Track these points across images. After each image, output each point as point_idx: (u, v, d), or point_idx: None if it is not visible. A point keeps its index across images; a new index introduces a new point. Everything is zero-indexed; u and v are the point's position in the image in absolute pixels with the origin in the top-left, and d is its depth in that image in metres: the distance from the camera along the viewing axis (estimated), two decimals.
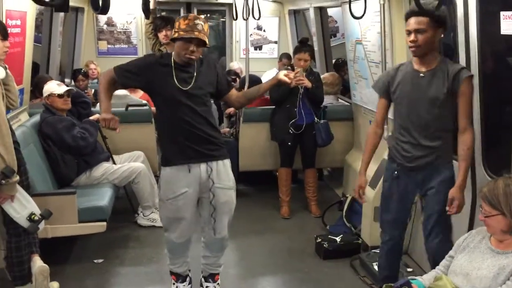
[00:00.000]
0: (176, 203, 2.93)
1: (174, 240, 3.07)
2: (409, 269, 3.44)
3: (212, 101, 3.14)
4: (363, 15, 3.30)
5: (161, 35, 4.95)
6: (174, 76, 2.82)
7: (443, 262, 2.25)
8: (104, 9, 1.37)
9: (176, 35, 2.78)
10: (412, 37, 2.61)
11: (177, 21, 2.81)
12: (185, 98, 2.83)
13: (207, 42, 2.79)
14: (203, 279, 3.29)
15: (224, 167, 2.97)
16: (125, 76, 2.91)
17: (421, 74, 2.68)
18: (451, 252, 2.24)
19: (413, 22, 2.60)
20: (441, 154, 2.71)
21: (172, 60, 2.86)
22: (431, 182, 2.75)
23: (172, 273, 3.26)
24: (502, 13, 2.52)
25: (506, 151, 2.60)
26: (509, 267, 1.91)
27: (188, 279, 3.29)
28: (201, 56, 2.92)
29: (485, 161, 2.85)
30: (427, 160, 2.73)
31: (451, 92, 2.61)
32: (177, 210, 2.95)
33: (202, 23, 2.77)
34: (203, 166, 2.90)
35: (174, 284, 3.26)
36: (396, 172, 2.86)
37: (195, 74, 2.86)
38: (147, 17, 5.07)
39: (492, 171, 2.81)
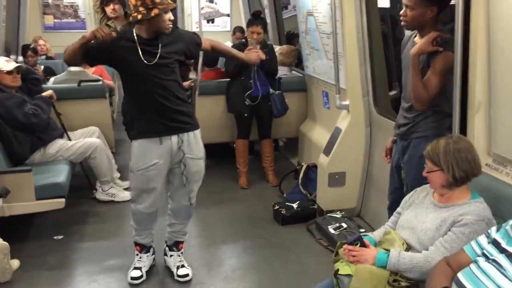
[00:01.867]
0: (147, 174, 2.98)
1: (142, 210, 3.12)
2: (361, 230, 3.63)
3: None
4: None
5: (109, 9, 4.81)
6: (140, 51, 2.82)
7: (392, 219, 2.42)
8: None
9: (157, 11, 2.72)
10: (403, 10, 2.61)
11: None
12: (152, 71, 2.85)
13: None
14: (167, 248, 3.37)
15: (194, 138, 3.04)
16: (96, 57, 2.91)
17: (414, 46, 2.65)
18: (398, 209, 2.40)
19: None
20: (416, 127, 2.73)
21: (135, 35, 2.85)
22: (404, 156, 2.82)
23: (136, 243, 3.31)
24: None
25: None
26: (450, 219, 2.08)
27: (151, 249, 3.36)
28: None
29: None
30: (405, 129, 2.79)
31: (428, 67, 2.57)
32: (148, 180, 3.01)
33: None
34: (174, 138, 2.96)
35: (137, 255, 3.31)
36: (394, 138, 2.97)
37: (160, 45, 2.86)
38: None
39: None
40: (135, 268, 3.25)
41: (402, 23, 2.66)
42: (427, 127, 2.69)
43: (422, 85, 2.54)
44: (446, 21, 3.01)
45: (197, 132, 3.08)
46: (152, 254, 3.36)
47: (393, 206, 2.91)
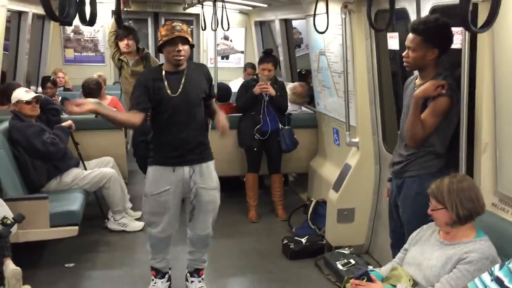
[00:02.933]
0: (159, 199, 3.12)
1: (156, 234, 3.23)
2: (370, 267, 3.63)
3: None
4: (326, 30, 3.52)
5: (122, 44, 5.00)
6: (165, 83, 3.02)
7: (399, 255, 2.46)
8: (92, 21, 1.49)
9: (160, 42, 2.96)
10: (405, 52, 2.72)
11: (158, 33, 3.03)
12: (174, 103, 3.03)
13: (190, 39, 2.98)
14: (188, 274, 3.46)
15: (207, 169, 3.18)
16: (143, 105, 3.08)
17: (416, 87, 2.76)
18: (405, 246, 2.44)
19: (408, 38, 2.69)
20: (409, 166, 2.79)
21: (163, 70, 3.07)
22: (400, 195, 2.87)
23: (152, 268, 3.40)
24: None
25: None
26: (455, 257, 2.12)
27: (167, 276, 3.42)
28: (191, 63, 3.18)
29: None
30: (399, 168, 2.85)
31: (425, 106, 2.64)
32: (159, 205, 3.15)
33: (180, 24, 2.98)
34: (186, 168, 3.10)
35: (153, 279, 3.39)
36: (390, 176, 3.03)
37: (183, 79, 3.04)
38: (119, 26, 5.12)
39: None
40: None
41: (404, 64, 2.77)
42: (420, 166, 2.75)
43: (421, 124, 2.62)
44: (449, 66, 3.12)
45: (211, 163, 3.21)
46: (167, 281, 3.42)
47: (395, 244, 2.95)
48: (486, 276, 1.90)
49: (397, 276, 2.25)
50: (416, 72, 2.94)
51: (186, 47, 2.98)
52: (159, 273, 3.38)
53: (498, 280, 1.82)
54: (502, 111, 2.34)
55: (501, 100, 2.34)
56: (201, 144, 3.16)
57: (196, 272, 3.43)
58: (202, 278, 3.45)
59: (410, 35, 2.69)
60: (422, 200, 2.65)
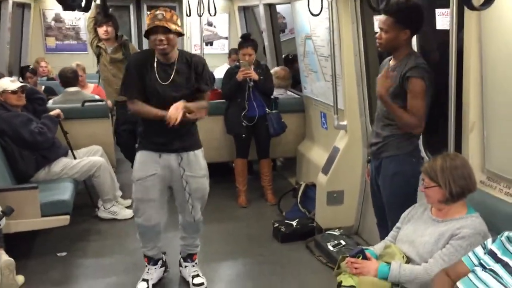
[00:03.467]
0: (145, 184, 3.11)
1: (142, 222, 3.23)
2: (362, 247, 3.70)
3: None
4: (320, 12, 3.54)
5: (101, 30, 4.91)
6: (156, 71, 3.00)
7: (391, 233, 2.51)
8: (87, 7, 1.47)
9: (145, 31, 2.96)
10: (378, 34, 2.79)
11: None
12: (162, 92, 3.00)
13: (171, 28, 2.89)
14: (182, 260, 3.49)
15: (195, 157, 3.16)
16: (136, 91, 3.05)
17: (390, 68, 2.83)
18: (398, 224, 2.50)
19: (380, 19, 2.76)
20: (386, 147, 2.85)
21: (155, 56, 3.03)
22: (379, 175, 2.94)
23: (145, 255, 3.40)
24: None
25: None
26: (448, 233, 2.19)
27: (160, 262, 3.43)
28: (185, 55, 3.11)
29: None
30: (376, 149, 2.92)
31: (404, 90, 2.72)
32: (146, 190, 3.12)
33: (163, 12, 2.92)
34: (173, 155, 3.10)
35: (146, 266, 3.41)
36: (368, 157, 3.09)
37: (173, 71, 3.01)
38: (105, 14, 5.02)
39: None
40: (143, 280, 3.35)
41: (377, 44, 2.84)
42: (396, 147, 2.81)
43: (406, 114, 2.68)
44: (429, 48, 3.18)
45: (198, 151, 3.20)
46: (161, 267, 3.45)
47: (381, 223, 3.02)
48: (479, 250, 1.97)
49: (390, 254, 2.30)
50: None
51: (171, 36, 2.92)
52: (151, 260, 3.39)
53: (491, 253, 1.88)
54: (489, 90, 2.39)
55: (488, 80, 2.39)
56: (188, 133, 3.14)
57: (189, 257, 3.46)
58: (196, 263, 3.48)
59: (382, 17, 2.76)
60: (399, 180, 2.76)
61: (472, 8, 1.75)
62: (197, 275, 3.40)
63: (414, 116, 2.68)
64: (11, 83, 4.10)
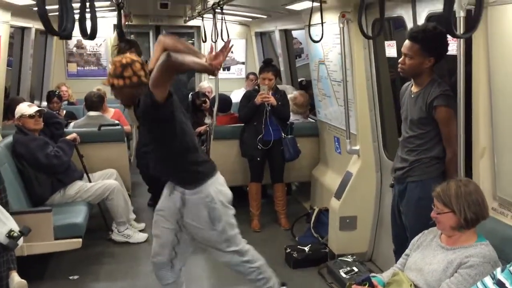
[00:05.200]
0: (155, 217, 3.06)
1: (151, 258, 3.11)
2: (372, 274, 3.63)
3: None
4: (321, 39, 3.57)
5: None
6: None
7: (400, 261, 2.46)
8: (92, 36, 1.52)
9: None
10: (401, 58, 2.78)
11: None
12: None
13: (114, 83, 2.74)
14: None
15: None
16: None
17: (412, 95, 2.84)
18: (407, 251, 2.45)
19: (405, 45, 2.75)
20: (412, 171, 2.84)
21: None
22: (402, 199, 2.92)
23: None
24: None
25: None
26: (456, 261, 2.13)
27: None
28: None
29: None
30: (401, 173, 2.90)
31: (430, 117, 2.73)
32: (154, 224, 3.08)
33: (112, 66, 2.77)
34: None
35: None
36: (392, 182, 3.07)
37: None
38: (121, 39, 5.18)
39: None
40: None
41: (400, 70, 2.81)
42: (422, 171, 2.81)
43: (448, 146, 2.70)
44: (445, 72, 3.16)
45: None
46: None
47: (398, 250, 2.96)
48: (488, 280, 1.91)
49: (398, 282, 2.26)
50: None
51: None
52: None
53: (499, 283, 1.83)
54: (498, 116, 2.36)
55: (497, 105, 2.36)
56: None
57: None
58: None
59: (408, 43, 2.74)
60: (424, 204, 2.67)
61: (455, 36, 1.74)
62: None
63: (450, 142, 2.67)
64: (28, 108, 4.21)
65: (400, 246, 2.94)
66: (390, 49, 3.55)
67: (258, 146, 4.78)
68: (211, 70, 2.57)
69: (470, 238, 2.21)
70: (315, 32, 3.78)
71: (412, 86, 2.88)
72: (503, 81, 2.31)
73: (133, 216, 4.73)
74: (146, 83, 2.67)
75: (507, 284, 1.79)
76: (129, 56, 2.79)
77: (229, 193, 2.99)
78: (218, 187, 2.91)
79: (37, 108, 4.27)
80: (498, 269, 1.90)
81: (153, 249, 3.08)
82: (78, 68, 7.53)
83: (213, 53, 2.57)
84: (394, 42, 3.48)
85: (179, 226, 2.99)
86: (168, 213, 2.97)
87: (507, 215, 2.39)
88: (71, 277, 3.86)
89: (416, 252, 2.36)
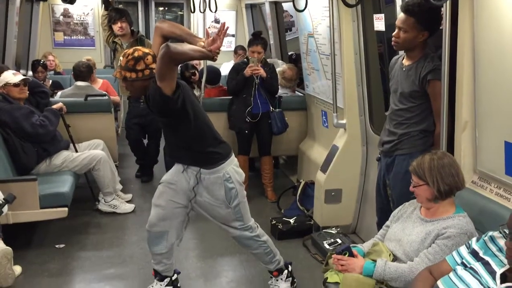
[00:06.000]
0: (159, 187, 3.05)
1: (146, 226, 3.08)
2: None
3: None
4: (305, 8, 3.54)
5: (116, 27, 4.99)
6: None
7: (381, 231, 2.51)
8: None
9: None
10: (395, 32, 2.76)
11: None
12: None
13: (127, 77, 2.73)
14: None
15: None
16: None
17: (403, 68, 2.84)
18: (387, 223, 2.50)
19: (400, 18, 2.73)
20: (401, 144, 2.87)
21: None
22: (389, 172, 2.95)
23: (153, 267, 3.20)
24: None
25: None
26: (434, 232, 2.18)
27: (167, 280, 3.18)
28: None
29: None
30: (389, 146, 2.93)
31: (422, 90, 2.74)
32: (157, 194, 3.05)
33: (121, 58, 2.77)
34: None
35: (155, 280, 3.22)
36: (378, 156, 3.09)
37: None
38: (106, 8, 5.12)
39: None
40: None
41: (393, 43, 2.80)
42: (412, 144, 2.84)
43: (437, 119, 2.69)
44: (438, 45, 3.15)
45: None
46: (167, 286, 3.18)
47: (381, 222, 3.00)
48: (463, 249, 1.96)
49: (378, 252, 2.31)
50: (401, 52, 3.00)
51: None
52: (157, 275, 3.17)
53: (473, 252, 1.88)
54: (481, 90, 2.38)
55: (480, 79, 2.37)
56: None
57: (270, 273, 3.30)
58: (276, 279, 3.27)
59: (403, 16, 2.73)
60: (405, 180, 2.72)
61: (430, 3, 1.80)
62: None
63: (438, 117, 2.68)
64: (13, 76, 4.15)
65: (384, 219, 2.96)
66: (379, 23, 3.53)
67: (247, 119, 4.78)
68: (211, 56, 2.58)
69: (448, 210, 2.25)
70: (303, 3, 3.73)
71: (403, 59, 2.89)
72: (486, 56, 2.32)
73: (119, 186, 4.74)
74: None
75: (480, 254, 1.84)
76: (141, 49, 2.78)
77: (243, 174, 3.05)
78: (234, 167, 2.97)
79: (22, 77, 4.21)
80: (474, 239, 1.95)
81: (150, 219, 3.06)
82: (65, 37, 7.41)
83: (210, 38, 2.56)
84: (383, 15, 3.46)
85: (191, 206, 3.00)
86: (180, 188, 2.96)
87: (486, 188, 2.43)
88: (57, 246, 3.89)
89: (397, 223, 2.41)
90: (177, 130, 2.83)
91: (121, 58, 2.76)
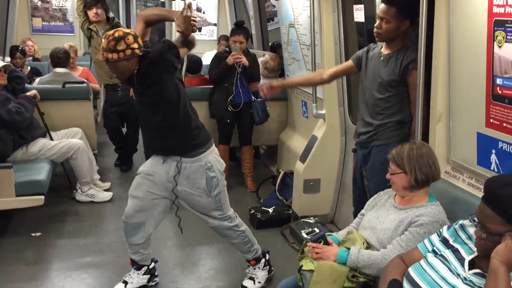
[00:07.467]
0: (136, 178, 3.01)
1: (123, 217, 3.05)
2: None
3: None
4: None
5: (91, 12, 4.90)
6: None
7: (356, 220, 2.54)
8: None
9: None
10: (377, 23, 2.77)
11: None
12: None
13: (108, 58, 2.71)
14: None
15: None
16: None
17: (381, 57, 2.85)
18: (362, 211, 2.53)
19: (381, 9, 2.74)
20: (378, 135, 2.89)
21: None
22: (366, 164, 2.97)
23: (130, 257, 3.19)
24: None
25: None
26: (407, 220, 2.21)
27: (144, 269, 3.19)
28: None
29: None
30: (365, 137, 2.94)
31: (402, 80, 2.77)
32: (135, 185, 3.01)
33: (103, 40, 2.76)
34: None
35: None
36: (354, 147, 3.11)
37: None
38: None
39: None
40: (123, 281, 3.19)
41: (375, 34, 2.82)
42: (387, 135, 2.87)
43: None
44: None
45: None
46: (145, 274, 3.19)
47: (357, 212, 3.03)
48: (434, 237, 2.00)
49: (352, 239, 2.33)
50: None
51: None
52: (134, 264, 3.17)
53: (444, 240, 1.92)
54: (455, 82, 2.42)
55: (455, 71, 2.41)
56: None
57: (247, 262, 3.30)
58: (254, 267, 3.28)
59: (384, 6, 2.75)
60: (389, 168, 2.76)
61: None
62: (248, 278, 3.26)
63: (414, 105, 2.70)
64: None
65: (360, 209, 2.99)
66: (359, 13, 3.54)
67: (228, 108, 4.77)
68: (172, 18, 2.71)
69: (421, 198, 2.29)
70: None
71: (381, 48, 2.90)
72: (461, 48, 2.36)
73: (97, 176, 4.70)
74: (140, 56, 2.70)
75: (450, 241, 1.88)
76: (122, 29, 2.76)
77: (224, 163, 3.07)
78: (215, 156, 2.98)
79: (3, 63, 4.13)
80: (445, 227, 1.98)
81: (127, 211, 3.02)
82: (44, 23, 7.27)
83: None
84: (362, 6, 3.48)
85: (175, 195, 2.97)
86: (158, 179, 2.94)
87: (459, 178, 2.48)
88: (33, 234, 3.85)
89: (371, 211, 2.44)
90: (164, 112, 2.80)
91: (102, 40, 2.74)
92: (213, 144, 3.03)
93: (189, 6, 2.64)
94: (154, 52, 2.75)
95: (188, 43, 2.81)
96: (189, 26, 2.62)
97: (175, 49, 2.71)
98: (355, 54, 3.15)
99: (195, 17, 2.65)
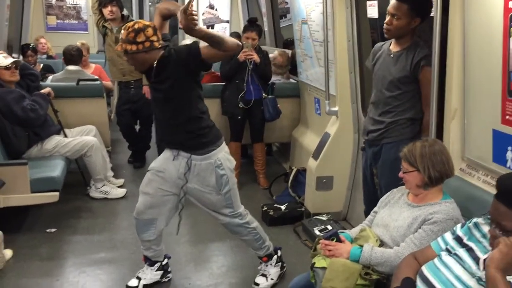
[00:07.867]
0: (148, 175, 3.01)
1: (134, 213, 3.07)
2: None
3: None
4: None
5: (106, 10, 4.94)
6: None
7: (368, 217, 2.53)
8: None
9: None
10: (388, 19, 2.75)
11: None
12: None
13: (127, 50, 2.70)
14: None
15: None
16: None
17: (391, 54, 2.83)
18: (375, 209, 2.51)
19: (392, 5, 2.72)
20: (388, 133, 2.87)
21: None
22: (377, 161, 2.95)
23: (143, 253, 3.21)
24: None
25: None
26: (421, 217, 2.20)
27: (157, 265, 3.21)
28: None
29: None
30: (376, 135, 2.92)
31: (413, 77, 2.75)
32: (146, 182, 3.02)
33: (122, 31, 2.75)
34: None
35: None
36: (363, 144, 3.09)
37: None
38: None
39: None
40: (136, 277, 3.21)
41: (385, 31, 2.79)
42: (398, 132, 2.85)
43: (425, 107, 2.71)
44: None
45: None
46: (158, 270, 3.21)
47: (369, 211, 3.02)
48: (448, 235, 1.98)
49: (365, 237, 2.32)
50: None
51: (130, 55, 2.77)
52: (147, 260, 3.19)
53: (458, 239, 1.90)
54: (470, 79, 2.38)
55: (470, 67, 2.38)
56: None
57: (260, 258, 3.31)
58: (266, 264, 3.28)
59: (395, 3, 2.72)
60: (400, 165, 2.74)
61: None
62: (261, 275, 3.26)
63: (427, 104, 2.67)
64: (4, 59, 4.11)
65: (371, 207, 2.96)
66: (372, 9, 3.52)
67: (239, 104, 4.77)
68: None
69: (435, 196, 2.27)
70: None
71: (390, 45, 2.88)
72: (476, 44, 2.32)
73: (111, 173, 4.74)
74: (159, 48, 2.71)
75: (464, 240, 1.86)
76: (142, 21, 2.77)
77: (234, 161, 3.06)
78: (225, 154, 2.97)
79: (13, 59, 4.18)
80: (459, 226, 1.96)
81: (138, 207, 3.03)
82: (58, 21, 7.34)
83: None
84: (376, 2, 3.45)
85: (183, 193, 2.98)
86: (168, 176, 2.95)
87: (473, 176, 2.45)
88: (48, 230, 3.90)
89: (384, 209, 2.42)
90: (173, 110, 2.81)
91: (122, 31, 2.75)
92: (224, 142, 3.02)
93: (190, 2, 2.62)
94: (177, 49, 2.77)
95: (216, 44, 2.64)
96: (189, 22, 2.57)
97: (198, 57, 2.65)
98: (368, 62, 3.11)
99: (196, 14, 2.61)
